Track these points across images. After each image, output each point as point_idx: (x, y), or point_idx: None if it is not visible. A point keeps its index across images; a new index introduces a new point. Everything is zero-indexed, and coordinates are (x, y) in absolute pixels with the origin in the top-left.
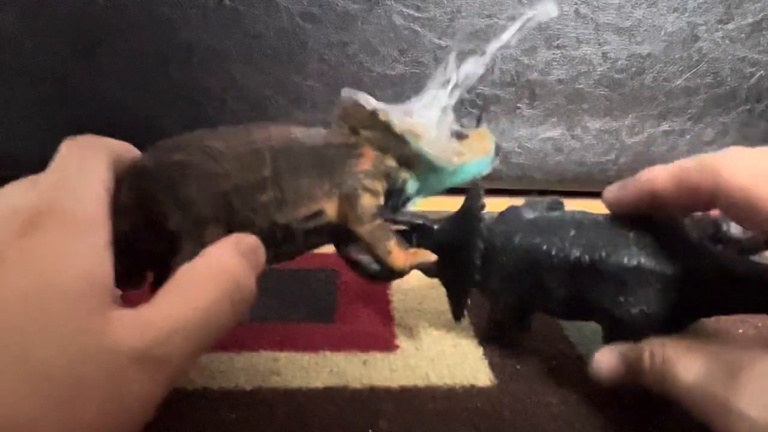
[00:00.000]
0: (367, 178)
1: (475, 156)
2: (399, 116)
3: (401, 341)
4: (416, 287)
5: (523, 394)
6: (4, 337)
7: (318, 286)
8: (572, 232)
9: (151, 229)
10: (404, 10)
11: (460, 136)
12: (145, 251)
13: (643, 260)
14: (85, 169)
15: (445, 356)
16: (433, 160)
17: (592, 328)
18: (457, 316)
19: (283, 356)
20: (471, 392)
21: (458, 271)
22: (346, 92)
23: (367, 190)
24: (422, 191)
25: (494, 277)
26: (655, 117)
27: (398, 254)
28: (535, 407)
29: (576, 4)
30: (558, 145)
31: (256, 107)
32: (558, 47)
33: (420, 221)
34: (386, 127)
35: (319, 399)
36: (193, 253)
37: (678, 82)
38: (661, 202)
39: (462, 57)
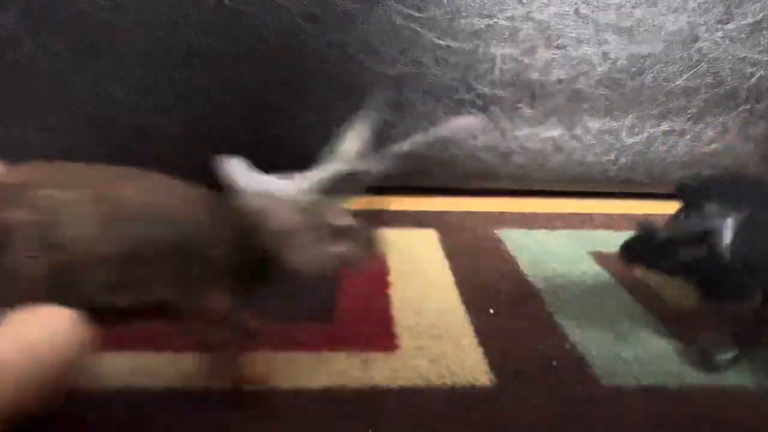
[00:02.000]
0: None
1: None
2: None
3: (401, 341)
4: (416, 287)
5: (523, 394)
6: None
7: (318, 286)
8: None
9: None
10: (404, 10)
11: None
12: None
13: None
14: None
15: (445, 356)
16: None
17: (592, 328)
18: None
19: (283, 356)
20: (471, 392)
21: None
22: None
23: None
24: None
25: None
26: (655, 117)
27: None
28: (535, 407)
29: (576, 4)
30: (558, 145)
31: (256, 107)
32: (558, 47)
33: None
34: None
35: (319, 399)
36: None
37: (678, 82)
38: None
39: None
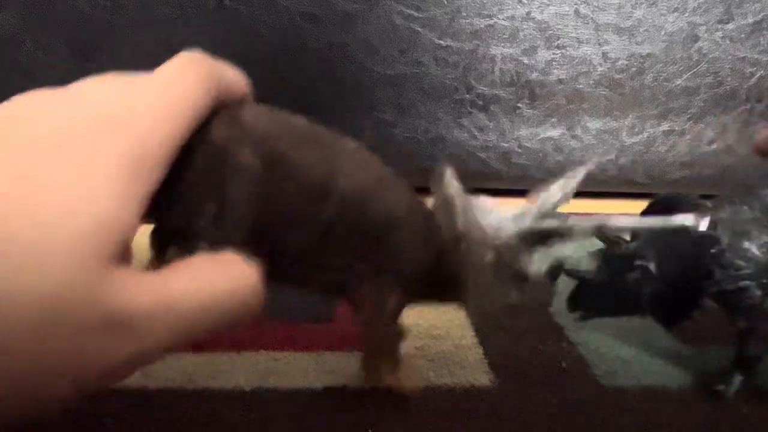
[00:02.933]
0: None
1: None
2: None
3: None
4: None
5: (523, 394)
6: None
7: None
8: None
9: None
10: (404, 10)
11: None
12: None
13: None
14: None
15: (445, 356)
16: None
17: (592, 328)
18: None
19: (283, 356)
20: (471, 392)
21: None
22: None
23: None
24: None
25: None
26: (655, 117)
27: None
28: (535, 407)
29: (576, 4)
30: (558, 145)
31: None
32: (558, 47)
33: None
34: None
35: (319, 399)
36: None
37: (678, 82)
38: None
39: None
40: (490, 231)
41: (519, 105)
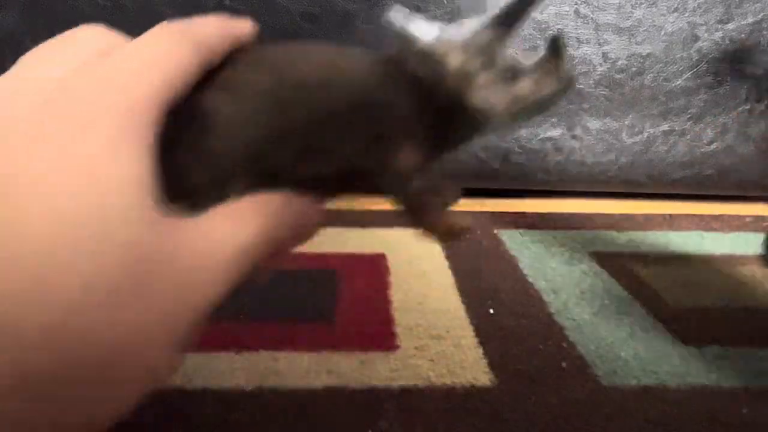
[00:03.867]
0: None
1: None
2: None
3: (401, 341)
4: (416, 287)
5: (523, 394)
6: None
7: (318, 286)
8: None
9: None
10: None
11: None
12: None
13: None
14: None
15: (445, 356)
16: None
17: (592, 328)
18: None
19: (283, 356)
20: (471, 392)
21: None
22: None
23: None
24: None
25: None
26: (655, 117)
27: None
28: (535, 407)
29: (576, 4)
30: (558, 145)
31: None
32: None
33: None
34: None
35: (319, 399)
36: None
37: (678, 82)
38: None
39: None
40: (463, 39)
41: None
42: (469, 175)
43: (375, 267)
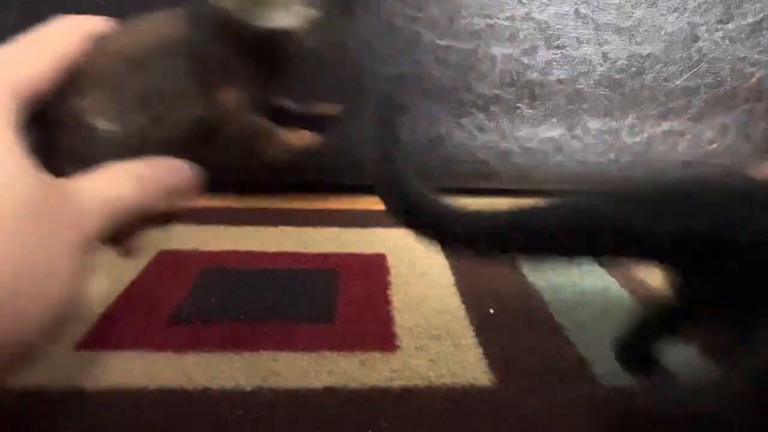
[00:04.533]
0: None
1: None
2: None
3: (401, 341)
4: (416, 287)
5: (523, 394)
6: None
7: (318, 286)
8: None
9: None
10: (404, 10)
11: None
12: None
13: None
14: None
15: (445, 356)
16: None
17: (593, 328)
18: None
19: (283, 356)
20: (471, 392)
21: None
22: None
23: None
24: None
25: None
26: (655, 117)
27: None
28: (535, 407)
29: (576, 4)
30: (558, 145)
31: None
32: (558, 47)
33: None
34: None
35: (319, 399)
36: None
37: (678, 82)
38: None
39: None
40: None
41: (519, 105)
42: (469, 175)
43: (375, 267)
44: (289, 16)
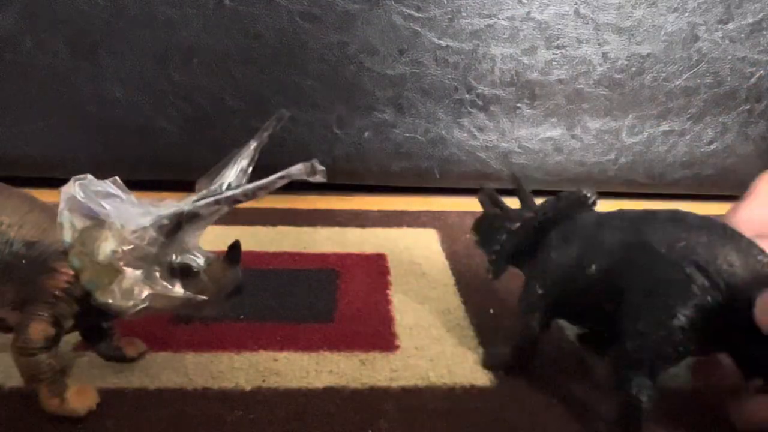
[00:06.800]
0: (47, 303)
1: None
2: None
3: (401, 341)
4: (416, 287)
5: (523, 394)
6: None
7: (318, 286)
8: None
9: None
10: (404, 10)
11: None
12: None
13: None
14: None
15: (445, 356)
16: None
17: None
18: None
19: (283, 356)
20: (471, 392)
21: None
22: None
23: (40, 318)
24: None
25: None
26: (655, 117)
27: (50, 401)
28: (535, 407)
29: (576, 4)
30: (558, 145)
31: (256, 107)
32: (558, 47)
33: None
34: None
35: (319, 399)
36: None
37: (678, 82)
38: None
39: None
40: (126, 228)
41: (519, 105)
42: (469, 175)
43: (375, 267)
44: (121, 300)
